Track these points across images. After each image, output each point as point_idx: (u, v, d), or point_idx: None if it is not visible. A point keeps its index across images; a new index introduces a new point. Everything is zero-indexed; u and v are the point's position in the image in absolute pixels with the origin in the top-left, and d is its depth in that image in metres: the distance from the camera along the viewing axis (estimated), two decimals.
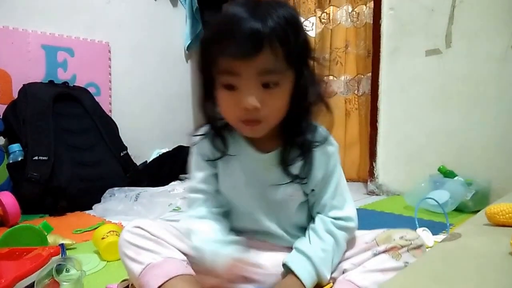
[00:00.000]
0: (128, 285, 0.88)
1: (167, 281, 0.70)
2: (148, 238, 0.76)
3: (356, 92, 2.64)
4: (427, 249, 1.13)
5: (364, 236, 0.84)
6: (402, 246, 0.77)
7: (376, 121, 2.25)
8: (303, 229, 0.86)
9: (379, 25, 2.21)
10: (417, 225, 1.30)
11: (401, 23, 2.15)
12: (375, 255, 0.79)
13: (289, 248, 0.84)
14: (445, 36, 2.00)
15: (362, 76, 2.59)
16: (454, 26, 1.97)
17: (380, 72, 2.22)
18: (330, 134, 0.82)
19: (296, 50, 0.72)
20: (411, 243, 0.78)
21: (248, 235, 0.84)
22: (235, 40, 0.68)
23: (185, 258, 0.76)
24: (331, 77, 2.70)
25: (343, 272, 0.81)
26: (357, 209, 1.93)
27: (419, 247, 0.78)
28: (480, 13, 1.89)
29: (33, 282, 0.87)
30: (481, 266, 0.63)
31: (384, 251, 0.78)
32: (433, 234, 1.29)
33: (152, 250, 0.74)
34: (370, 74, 2.35)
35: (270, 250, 0.84)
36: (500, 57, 1.84)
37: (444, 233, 1.37)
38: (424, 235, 1.25)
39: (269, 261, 0.81)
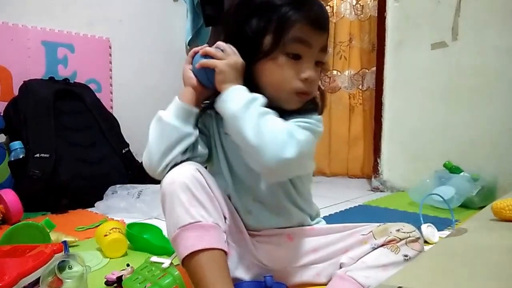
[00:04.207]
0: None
1: (207, 248, 0.68)
2: (205, 190, 0.73)
3: (360, 87, 2.62)
4: (432, 245, 1.13)
5: (361, 229, 0.84)
6: (400, 239, 0.78)
7: (381, 116, 2.24)
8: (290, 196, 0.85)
9: (384, 18, 2.20)
10: (422, 221, 1.29)
11: (407, 16, 2.14)
12: (373, 249, 0.79)
13: (284, 236, 0.84)
14: (452, 29, 1.98)
15: (367, 71, 2.57)
16: (460, 18, 1.95)
17: (384, 66, 2.21)
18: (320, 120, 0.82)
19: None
20: (409, 236, 0.78)
21: (246, 218, 0.84)
22: (316, 11, 0.76)
23: (225, 227, 0.74)
24: (334, 72, 2.68)
25: (341, 266, 0.81)
26: (361, 205, 1.93)
27: (416, 239, 0.79)
28: (487, 4, 1.88)
29: (37, 279, 0.87)
30: (486, 261, 0.62)
31: (382, 245, 0.78)
32: (439, 230, 1.28)
33: (205, 207, 0.71)
34: (374, 68, 2.33)
35: (265, 242, 0.84)
36: (507, 49, 1.83)
37: (449, 229, 1.36)
38: (429, 231, 1.25)
39: (268, 257, 0.83)
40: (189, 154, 0.78)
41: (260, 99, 0.72)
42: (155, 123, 0.77)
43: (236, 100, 0.71)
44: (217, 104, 0.74)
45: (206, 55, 0.77)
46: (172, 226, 0.71)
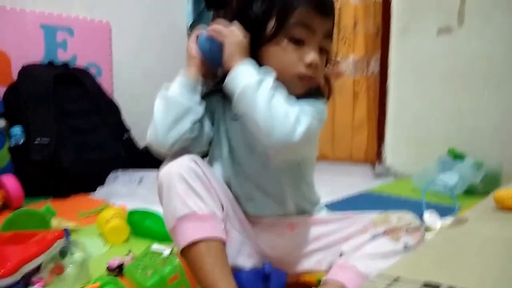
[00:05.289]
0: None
1: (204, 238, 0.68)
2: (202, 180, 0.72)
3: (364, 72, 2.58)
4: (434, 233, 1.13)
5: (361, 218, 0.83)
6: (401, 228, 0.78)
7: (385, 102, 2.23)
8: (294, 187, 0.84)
9: (389, 2, 2.17)
10: (425, 208, 1.29)
11: (412, 0, 2.10)
12: (374, 237, 0.79)
13: (286, 225, 0.84)
14: (458, 14, 1.95)
15: (371, 56, 2.53)
16: (467, 4, 1.92)
17: (389, 52, 2.20)
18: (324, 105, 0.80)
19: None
20: (409, 225, 0.78)
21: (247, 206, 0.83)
22: None
23: (223, 216, 0.74)
24: (338, 57, 2.64)
25: (341, 255, 0.80)
26: (363, 192, 1.92)
27: (417, 228, 0.78)
28: None
29: (38, 266, 0.87)
30: (487, 251, 0.62)
31: (383, 233, 0.78)
32: (441, 217, 1.28)
33: (202, 197, 0.71)
34: (379, 53, 2.30)
35: (266, 231, 0.84)
36: None
37: (452, 216, 1.35)
38: (432, 219, 1.25)
39: (269, 245, 0.83)
40: (197, 131, 0.76)
41: (271, 76, 0.71)
42: (160, 98, 0.76)
43: (247, 76, 0.70)
44: (227, 81, 0.73)
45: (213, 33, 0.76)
46: (170, 217, 0.71)
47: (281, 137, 0.67)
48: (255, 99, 0.68)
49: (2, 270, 0.81)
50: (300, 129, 0.68)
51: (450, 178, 1.68)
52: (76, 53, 2.22)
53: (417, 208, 1.27)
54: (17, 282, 0.82)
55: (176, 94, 0.75)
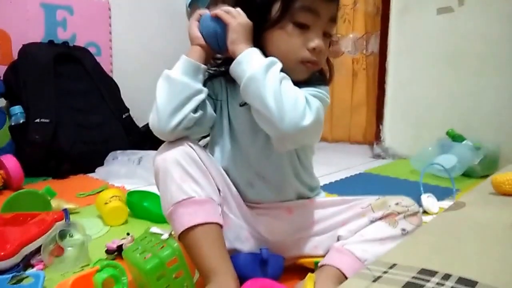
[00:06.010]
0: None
1: (201, 223, 0.68)
2: (198, 164, 0.72)
3: (364, 51, 2.55)
4: (431, 217, 1.13)
5: (359, 202, 0.84)
6: (399, 213, 0.78)
7: (384, 82, 2.21)
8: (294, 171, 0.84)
9: None
10: (422, 191, 1.29)
11: None
12: (371, 222, 0.79)
13: (284, 209, 0.84)
14: None
15: (371, 35, 2.49)
16: None
17: (389, 31, 2.16)
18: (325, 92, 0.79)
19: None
20: (407, 210, 0.78)
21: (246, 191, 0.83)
22: None
23: (220, 200, 0.74)
24: (338, 36, 2.60)
25: (338, 239, 0.81)
26: (361, 173, 1.92)
27: (415, 213, 0.79)
28: None
29: (39, 247, 0.88)
30: (483, 237, 0.62)
31: (380, 218, 0.78)
32: (439, 200, 1.28)
33: (198, 182, 0.71)
34: (379, 32, 2.27)
35: (264, 215, 0.84)
36: None
37: (450, 198, 1.36)
38: (429, 202, 1.25)
39: (267, 229, 0.83)
40: (200, 112, 0.75)
41: (279, 63, 0.70)
42: (162, 81, 0.74)
43: (255, 62, 0.69)
44: (233, 66, 0.72)
45: (216, 17, 0.75)
46: (167, 203, 0.71)
47: (293, 121, 0.66)
48: (265, 84, 0.67)
49: (2, 252, 0.81)
50: (311, 112, 0.68)
51: (449, 160, 1.68)
52: (76, 32, 2.20)
53: (415, 190, 1.28)
54: (17, 264, 0.83)
55: (180, 76, 0.73)
